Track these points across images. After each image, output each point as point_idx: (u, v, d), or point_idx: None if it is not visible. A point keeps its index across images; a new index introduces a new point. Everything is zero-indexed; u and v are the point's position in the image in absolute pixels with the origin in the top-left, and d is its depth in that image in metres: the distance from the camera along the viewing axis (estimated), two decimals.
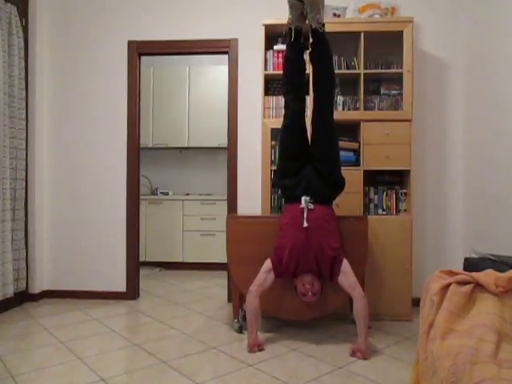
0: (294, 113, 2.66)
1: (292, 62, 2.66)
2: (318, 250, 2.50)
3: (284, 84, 2.74)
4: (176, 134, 5.30)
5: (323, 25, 2.55)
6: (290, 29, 2.60)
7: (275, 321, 2.97)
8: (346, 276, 2.50)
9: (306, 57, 2.78)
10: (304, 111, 2.72)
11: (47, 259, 3.69)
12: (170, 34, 3.64)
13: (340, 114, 3.12)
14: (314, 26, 2.53)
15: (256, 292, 2.53)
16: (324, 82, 2.64)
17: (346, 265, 2.51)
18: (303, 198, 2.53)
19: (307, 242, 2.50)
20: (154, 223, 5.05)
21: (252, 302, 2.53)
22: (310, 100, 3.12)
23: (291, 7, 2.55)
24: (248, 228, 2.83)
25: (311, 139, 2.69)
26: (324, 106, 2.65)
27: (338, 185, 2.68)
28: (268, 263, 2.57)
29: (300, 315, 2.76)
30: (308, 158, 2.65)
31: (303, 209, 2.52)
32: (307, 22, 2.56)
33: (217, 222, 4.92)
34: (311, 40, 2.62)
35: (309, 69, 2.79)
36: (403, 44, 3.09)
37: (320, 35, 2.56)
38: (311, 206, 2.53)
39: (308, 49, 2.72)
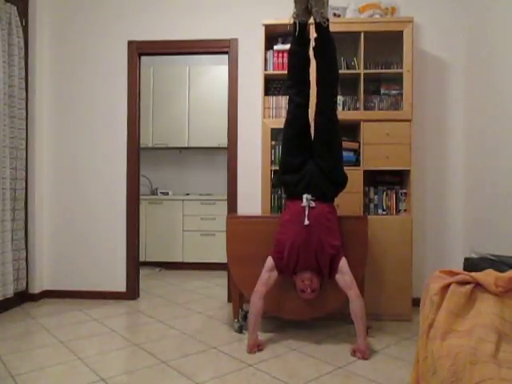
0: (297, 107, 2.65)
1: (296, 56, 2.65)
2: (318, 247, 2.50)
3: (288, 79, 2.72)
4: (176, 134, 5.30)
5: (328, 19, 2.54)
6: (295, 23, 2.59)
7: (275, 321, 2.97)
8: (343, 275, 2.50)
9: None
10: (307, 106, 2.70)
11: (47, 259, 3.69)
12: (169, 33, 3.64)
13: (340, 113, 3.09)
14: (318, 21, 2.52)
15: (261, 293, 2.53)
16: (327, 76, 2.63)
17: (344, 263, 2.52)
18: (304, 196, 2.53)
19: (308, 239, 2.50)
20: (154, 223, 5.05)
21: (256, 302, 2.53)
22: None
23: (296, 1, 2.54)
24: (248, 228, 2.83)
25: (314, 135, 2.68)
26: (327, 101, 2.64)
27: (340, 182, 2.67)
28: (270, 261, 2.57)
29: (300, 315, 2.76)
30: (310, 154, 2.65)
31: (305, 207, 2.52)
32: (313, 15, 2.54)
33: (217, 222, 4.92)
34: (315, 35, 2.61)
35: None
36: (403, 44, 3.09)
37: (324, 30, 2.55)
38: (313, 204, 2.52)
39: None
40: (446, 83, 3.45)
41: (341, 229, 2.65)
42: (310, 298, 2.59)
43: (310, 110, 2.71)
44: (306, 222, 2.49)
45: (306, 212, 2.50)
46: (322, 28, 2.55)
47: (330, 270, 2.54)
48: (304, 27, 2.60)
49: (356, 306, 2.45)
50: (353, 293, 2.47)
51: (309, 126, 2.69)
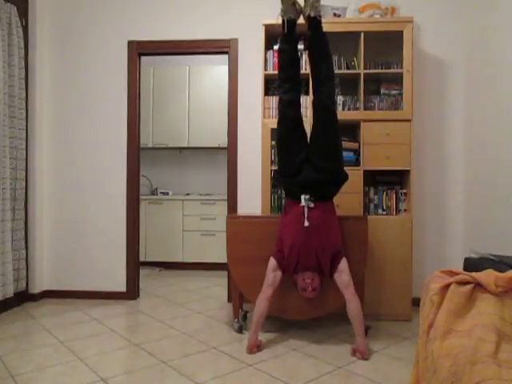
0: (286, 105, 2.59)
1: (285, 53, 2.63)
2: (318, 248, 2.50)
3: (279, 78, 2.69)
4: (176, 134, 5.30)
5: (320, 14, 2.54)
6: (283, 20, 2.57)
7: (275, 321, 2.97)
8: (341, 274, 2.50)
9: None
10: (299, 103, 2.65)
11: (47, 259, 3.69)
12: (170, 33, 3.64)
13: (340, 114, 3.08)
14: (313, 15, 2.51)
15: (267, 294, 2.53)
16: (325, 70, 2.59)
17: (343, 263, 2.52)
18: (303, 197, 2.50)
19: (308, 240, 2.49)
20: (154, 223, 5.05)
21: (261, 303, 2.53)
22: (309, 102, 3.13)
23: None
24: (248, 228, 2.83)
25: (312, 133, 2.62)
26: (327, 95, 2.58)
27: (340, 181, 2.63)
28: (272, 261, 2.57)
29: (301, 315, 2.76)
30: (307, 152, 2.58)
31: (304, 208, 2.50)
32: (305, 10, 2.53)
33: (217, 221, 4.92)
34: (308, 31, 2.60)
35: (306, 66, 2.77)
36: (403, 44, 3.09)
37: (318, 24, 2.54)
38: (312, 205, 2.50)
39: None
40: (446, 83, 3.45)
41: (341, 228, 2.64)
42: (311, 296, 2.59)
43: (304, 112, 2.67)
44: (306, 223, 2.47)
45: (306, 213, 2.49)
46: (316, 22, 2.53)
47: (330, 269, 2.54)
48: (292, 25, 2.59)
49: (352, 305, 2.46)
50: (349, 292, 2.47)
51: (302, 124, 2.63)
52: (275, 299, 2.69)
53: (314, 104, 2.63)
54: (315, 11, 2.51)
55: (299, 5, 2.59)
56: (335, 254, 2.52)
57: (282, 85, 2.63)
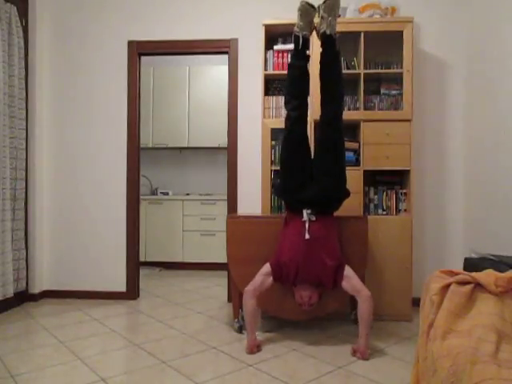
0: (295, 122, 2.60)
1: (298, 69, 2.62)
2: (318, 262, 2.48)
3: (287, 94, 2.68)
4: (176, 134, 5.30)
5: (336, 33, 2.55)
6: (297, 36, 2.57)
7: (275, 321, 2.97)
8: (350, 280, 2.48)
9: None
10: (306, 120, 2.66)
11: (47, 259, 3.69)
12: (170, 33, 3.64)
13: None
14: (328, 33, 2.51)
15: (251, 293, 2.51)
16: (336, 88, 2.60)
17: (348, 270, 2.50)
18: (304, 211, 2.51)
19: (308, 253, 2.48)
20: (154, 223, 5.05)
21: (247, 302, 2.51)
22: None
23: (301, 14, 2.52)
24: (248, 228, 2.83)
25: (317, 149, 2.63)
26: (336, 112, 2.59)
27: (341, 197, 2.64)
28: (267, 267, 2.55)
29: (300, 315, 2.76)
30: (311, 169, 2.59)
31: (305, 221, 2.50)
32: (321, 27, 2.54)
33: (217, 221, 4.92)
34: (321, 49, 2.61)
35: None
36: (403, 44, 3.09)
37: (334, 42, 2.55)
38: (313, 218, 2.50)
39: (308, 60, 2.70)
40: (446, 83, 3.45)
41: (340, 231, 2.63)
42: (308, 310, 2.60)
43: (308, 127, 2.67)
44: (307, 236, 2.47)
45: (307, 226, 2.49)
46: (331, 40, 2.54)
47: (334, 281, 2.51)
48: (307, 41, 2.60)
49: (365, 306, 2.43)
50: (362, 294, 2.44)
51: (307, 140, 2.64)
52: (275, 299, 2.69)
53: (322, 120, 2.63)
54: (331, 29, 2.51)
55: (314, 22, 2.60)
56: (337, 267, 2.49)
57: (291, 101, 2.63)
